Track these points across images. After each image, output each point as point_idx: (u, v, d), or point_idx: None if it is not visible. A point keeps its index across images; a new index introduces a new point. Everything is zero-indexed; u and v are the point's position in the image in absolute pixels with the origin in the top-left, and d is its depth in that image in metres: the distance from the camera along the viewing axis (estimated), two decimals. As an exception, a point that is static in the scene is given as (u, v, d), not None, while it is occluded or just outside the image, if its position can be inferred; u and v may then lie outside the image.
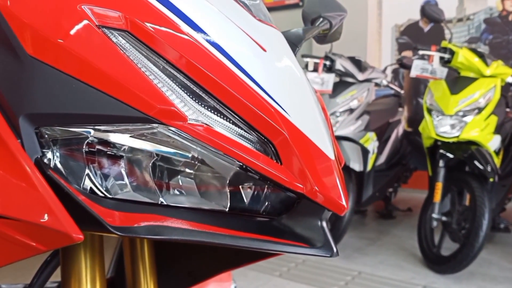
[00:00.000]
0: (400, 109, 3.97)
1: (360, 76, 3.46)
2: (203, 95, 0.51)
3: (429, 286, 2.63)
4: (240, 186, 0.54)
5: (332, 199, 0.54)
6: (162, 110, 0.48)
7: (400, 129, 3.93)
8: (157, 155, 0.52)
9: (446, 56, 2.99)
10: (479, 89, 2.87)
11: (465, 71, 2.97)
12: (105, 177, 0.52)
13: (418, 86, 4.77)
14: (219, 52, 0.53)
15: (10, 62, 0.50)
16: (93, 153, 0.51)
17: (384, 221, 3.98)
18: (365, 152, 3.29)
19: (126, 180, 0.52)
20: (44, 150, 0.50)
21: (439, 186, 2.86)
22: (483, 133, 2.85)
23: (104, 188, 0.51)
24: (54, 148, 0.51)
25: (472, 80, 2.92)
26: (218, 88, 0.51)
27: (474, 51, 2.97)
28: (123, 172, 0.52)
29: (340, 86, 3.42)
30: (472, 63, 2.91)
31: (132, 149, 0.51)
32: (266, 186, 0.54)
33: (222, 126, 0.51)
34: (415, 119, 4.41)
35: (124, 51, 0.49)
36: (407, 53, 4.71)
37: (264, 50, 0.58)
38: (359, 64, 3.51)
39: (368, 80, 3.51)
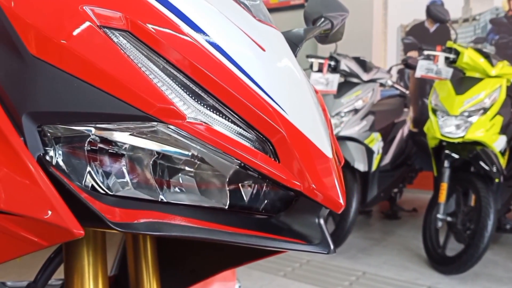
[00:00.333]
0: (405, 109, 3.96)
1: (365, 77, 3.45)
2: (203, 94, 0.52)
3: (433, 286, 2.62)
4: (240, 184, 0.55)
5: (329, 197, 0.55)
6: (161, 108, 0.49)
7: (405, 130, 3.92)
8: (158, 153, 0.53)
9: (451, 56, 2.98)
10: (485, 89, 2.86)
11: (470, 71, 2.96)
12: (107, 174, 0.53)
13: (424, 86, 4.76)
14: (218, 52, 0.54)
15: (13, 61, 0.51)
16: (95, 151, 0.52)
17: (389, 222, 3.97)
18: (369, 152, 3.29)
19: (127, 178, 0.53)
20: (46, 148, 0.52)
21: (444, 186, 2.86)
22: (489, 134, 2.84)
23: (106, 186, 0.52)
24: (56, 146, 0.52)
25: (478, 80, 2.91)
26: (217, 88, 0.52)
27: (480, 51, 2.96)
28: (124, 170, 0.53)
29: (345, 87, 3.42)
30: (477, 64, 2.90)
31: (133, 147, 0.52)
32: (265, 184, 0.55)
33: (221, 125, 0.52)
34: (421, 119, 4.40)
35: (125, 51, 0.50)
36: (413, 54, 4.71)
37: (264, 50, 0.59)
38: (364, 65, 3.50)
39: (373, 81, 3.51)
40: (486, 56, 2.93)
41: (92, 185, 0.52)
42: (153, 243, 0.85)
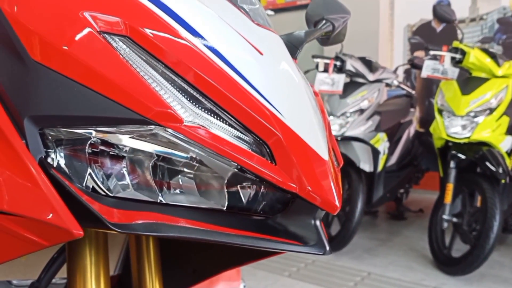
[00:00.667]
0: (412, 109, 3.95)
1: (371, 77, 3.45)
2: (201, 98, 0.53)
3: (439, 287, 2.62)
4: (238, 186, 0.56)
5: (325, 199, 0.56)
6: (159, 112, 0.50)
7: (411, 130, 3.91)
8: (158, 155, 0.54)
9: (458, 56, 2.97)
10: (491, 89, 2.85)
11: (476, 71, 2.94)
12: (107, 176, 0.54)
13: (430, 86, 4.74)
14: (216, 56, 0.55)
15: (16, 66, 0.53)
16: (95, 153, 0.54)
17: (395, 222, 3.96)
18: (375, 152, 3.28)
19: (127, 180, 0.54)
20: (48, 150, 0.53)
21: (450, 187, 2.85)
22: (495, 134, 2.83)
23: (106, 187, 0.53)
24: (57, 148, 0.53)
25: (484, 80, 2.89)
26: (215, 91, 0.53)
27: (486, 51, 2.95)
28: (125, 172, 0.54)
29: (350, 87, 3.41)
30: (483, 64, 2.89)
31: (133, 150, 0.54)
32: (262, 186, 0.56)
33: (218, 128, 0.53)
34: (427, 119, 4.38)
35: (124, 56, 0.51)
36: (420, 53, 4.69)
37: (261, 54, 0.59)
38: (369, 65, 3.50)
39: (379, 81, 3.50)
40: (493, 56, 2.91)
41: (92, 186, 0.53)
42: (156, 243, 0.86)
